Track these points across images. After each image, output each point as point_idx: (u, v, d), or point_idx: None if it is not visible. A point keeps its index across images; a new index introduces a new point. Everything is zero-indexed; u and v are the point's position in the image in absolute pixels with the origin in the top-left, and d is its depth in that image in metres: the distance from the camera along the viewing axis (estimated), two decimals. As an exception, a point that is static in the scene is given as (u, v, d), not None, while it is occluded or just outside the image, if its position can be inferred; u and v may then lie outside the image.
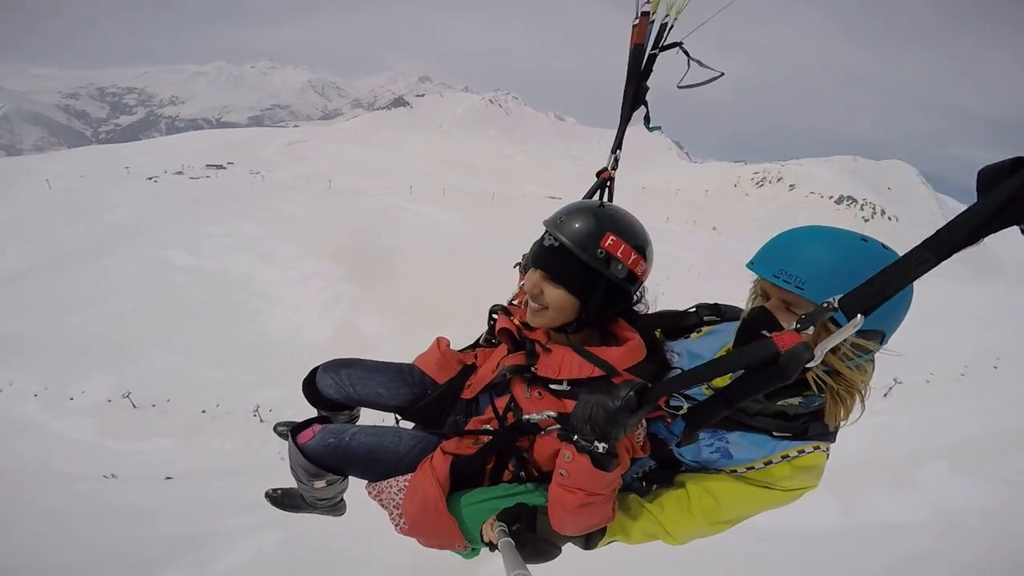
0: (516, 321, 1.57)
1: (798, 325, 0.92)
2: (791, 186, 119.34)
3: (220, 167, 75.73)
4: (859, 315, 0.84)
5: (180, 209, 48.53)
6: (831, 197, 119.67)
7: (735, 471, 1.33)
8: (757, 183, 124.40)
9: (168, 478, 16.00)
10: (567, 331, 1.43)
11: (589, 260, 1.31)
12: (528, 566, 1.21)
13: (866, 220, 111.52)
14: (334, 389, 1.82)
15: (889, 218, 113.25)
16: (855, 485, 13.04)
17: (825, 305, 0.88)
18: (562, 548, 1.48)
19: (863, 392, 1.19)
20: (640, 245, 1.37)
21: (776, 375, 0.92)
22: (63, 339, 24.64)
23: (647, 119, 1.82)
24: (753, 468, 1.30)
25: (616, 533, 1.45)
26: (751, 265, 1.26)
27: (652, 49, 1.73)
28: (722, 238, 73.04)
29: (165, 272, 31.11)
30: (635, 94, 1.77)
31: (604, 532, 1.44)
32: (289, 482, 1.91)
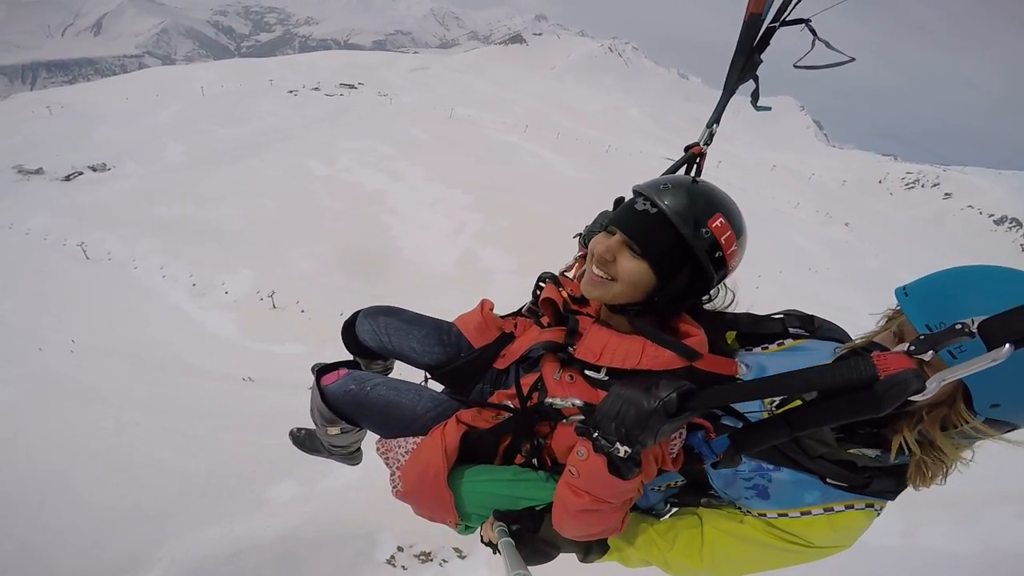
0: (564, 293, 1.47)
1: (912, 347, 0.77)
2: (947, 194, 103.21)
3: (352, 87, 78.40)
4: (1007, 345, 0.64)
5: (317, 122, 50.81)
6: (991, 215, 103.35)
7: (764, 515, 1.16)
8: (907, 184, 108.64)
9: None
10: (628, 313, 1.29)
11: (690, 237, 1.17)
12: (528, 567, 1.19)
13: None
14: (370, 336, 1.78)
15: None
16: (923, 512, 12.72)
17: (959, 327, 0.71)
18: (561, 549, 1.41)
19: (951, 469, 1.00)
20: (741, 236, 1.23)
21: (867, 404, 0.75)
22: (212, 229, 27.02)
23: (755, 95, 1.65)
24: (786, 516, 1.13)
25: (615, 555, 1.37)
26: (904, 297, 1.01)
27: (772, 22, 1.54)
28: (854, 237, 65.63)
29: (304, 179, 32.77)
30: (744, 66, 1.59)
31: (605, 549, 1.36)
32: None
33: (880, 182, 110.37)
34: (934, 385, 0.71)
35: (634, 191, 1.30)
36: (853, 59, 1.50)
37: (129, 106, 65.48)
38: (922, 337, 0.77)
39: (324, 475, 13.55)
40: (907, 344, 0.77)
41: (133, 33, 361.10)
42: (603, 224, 1.40)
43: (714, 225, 1.18)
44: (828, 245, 50.31)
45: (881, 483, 1.07)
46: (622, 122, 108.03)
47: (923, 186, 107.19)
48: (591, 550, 1.37)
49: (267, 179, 32.99)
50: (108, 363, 17.66)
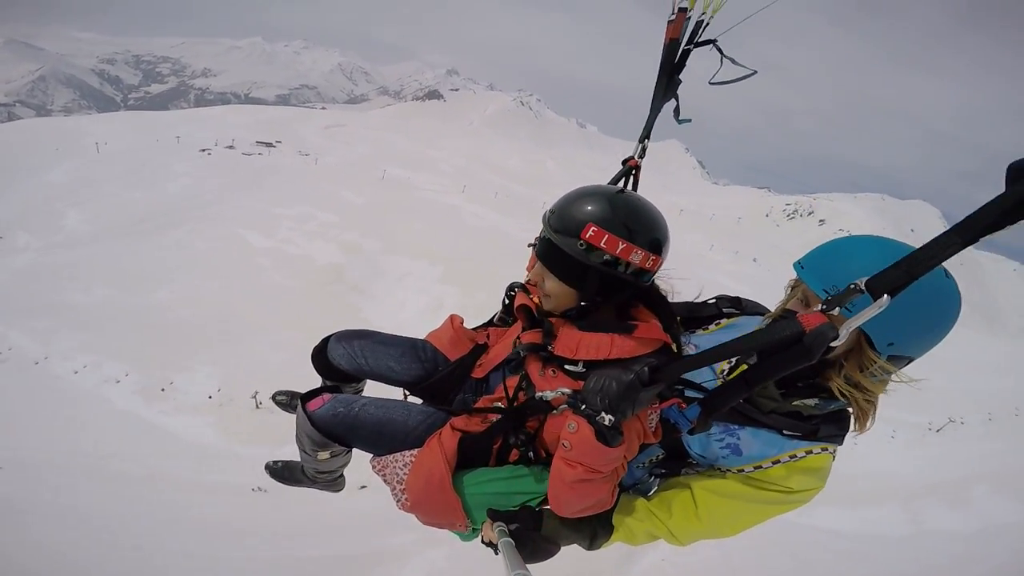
0: (535, 299, 1.58)
1: (824, 306, 0.99)
2: (821, 221, 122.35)
3: (270, 145, 75.29)
4: (885, 296, 0.87)
5: (240, 186, 47.85)
6: None
7: (742, 470, 1.33)
8: (788, 215, 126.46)
9: (363, 487, 15.03)
10: (570, 316, 1.48)
11: (569, 251, 1.36)
12: (529, 566, 1.25)
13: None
14: (345, 360, 1.83)
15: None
16: (920, 501, 14.79)
17: (852, 286, 0.92)
18: (561, 547, 1.46)
19: (875, 404, 1.24)
20: (634, 234, 1.37)
21: (801, 355, 0.97)
22: (148, 319, 23.57)
23: (676, 112, 1.86)
24: (760, 467, 1.30)
25: (620, 535, 1.44)
26: (801, 270, 1.27)
27: (686, 45, 1.76)
28: (762, 271, 72.99)
29: (245, 253, 30.11)
30: (667, 86, 1.80)
31: (609, 533, 1.43)
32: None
33: (767, 215, 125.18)
34: (844, 332, 0.93)
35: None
36: (755, 72, 1.74)
37: (7, 162, 57.80)
38: (829, 298, 0.97)
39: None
40: (819, 305, 0.99)
41: (4, 79, 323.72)
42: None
43: (587, 235, 1.35)
44: (747, 282, 54.85)
45: (827, 428, 1.28)
46: (543, 176, 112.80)
47: (801, 215, 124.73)
48: (596, 535, 1.43)
49: (200, 253, 29.90)
50: (64, 481, 14.70)
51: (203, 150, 68.79)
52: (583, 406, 1.21)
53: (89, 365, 19.90)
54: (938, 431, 22.95)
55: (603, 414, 1.16)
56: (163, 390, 19.22)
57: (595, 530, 1.43)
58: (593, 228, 1.35)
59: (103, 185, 49.73)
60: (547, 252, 1.44)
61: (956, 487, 16.64)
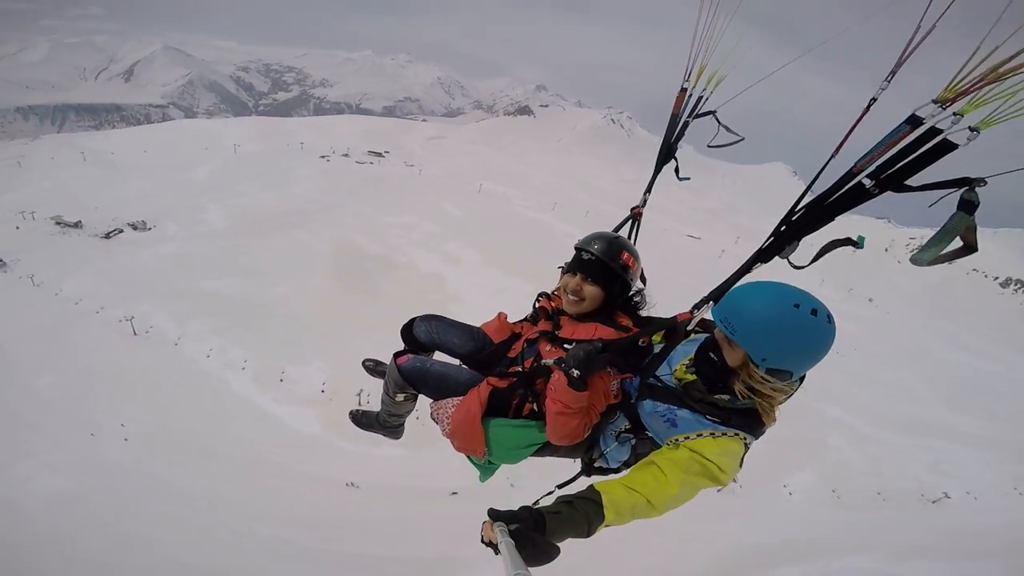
0: (552, 304, 2.32)
1: (692, 308, 1.73)
2: None
3: (379, 155, 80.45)
4: (710, 301, 1.62)
5: (353, 192, 51.25)
6: (996, 278, 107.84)
7: (677, 440, 1.73)
8: (912, 251, 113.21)
9: (454, 493, 15.59)
10: (592, 316, 2.16)
11: (615, 267, 2.12)
12: (531, 567, 1.39)
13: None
14: (424, 335, 2.51)
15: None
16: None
17: (704, 298, 1.63)
18: (561, 548, 1.64)
19: (774, 406, 1.66)
20: (638, 258, 2.22)
21: (676, 338, 1.82)
22: (267, 310, 26.02)
23: (676, 172, 2.46)
24: (690, 438, 1.71)
25: (611, 516, 1.70)
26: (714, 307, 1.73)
27: (688, 117, 2.32)
28: (879, 312, 66.44)
29: (357, 257, 32.46)
30: (667, 153, 2.41)
31: (601, 517, 1.69)
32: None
33: (887, 250, 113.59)
34: (693, 323, 1.76)
35: (577, 248, 2.21)
36: (743, 138, 2.32)
37: (162, 158, 66.07)
38: (696, 303, 1.65)
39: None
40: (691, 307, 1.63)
41: (160, 83, 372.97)
42: (565, 269, 2.24)
43: (623, 257, 2.14)
44: (860, 324, 50.41)
45: (737, 419, 1.66)
46: (635, 196, 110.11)
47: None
48: (591, 521, 1.67)
49: (317, 255, 32.56)
50: (178, 457, 16.41)
51: (323, 156, 75.18)
52: (563, 364, 1.84)
53: (216, 349, 22.17)
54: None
55: (573, 369, 1.79)
56: (281, 380, 21.13)
57: (589, 517, 1.69)
58: (626, 252, 2.16)
59: (238, 184, 55.80)
60: (595, 268, 2.13)
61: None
